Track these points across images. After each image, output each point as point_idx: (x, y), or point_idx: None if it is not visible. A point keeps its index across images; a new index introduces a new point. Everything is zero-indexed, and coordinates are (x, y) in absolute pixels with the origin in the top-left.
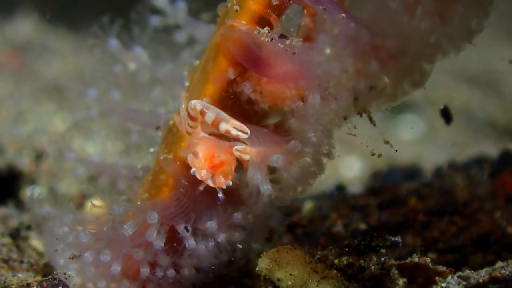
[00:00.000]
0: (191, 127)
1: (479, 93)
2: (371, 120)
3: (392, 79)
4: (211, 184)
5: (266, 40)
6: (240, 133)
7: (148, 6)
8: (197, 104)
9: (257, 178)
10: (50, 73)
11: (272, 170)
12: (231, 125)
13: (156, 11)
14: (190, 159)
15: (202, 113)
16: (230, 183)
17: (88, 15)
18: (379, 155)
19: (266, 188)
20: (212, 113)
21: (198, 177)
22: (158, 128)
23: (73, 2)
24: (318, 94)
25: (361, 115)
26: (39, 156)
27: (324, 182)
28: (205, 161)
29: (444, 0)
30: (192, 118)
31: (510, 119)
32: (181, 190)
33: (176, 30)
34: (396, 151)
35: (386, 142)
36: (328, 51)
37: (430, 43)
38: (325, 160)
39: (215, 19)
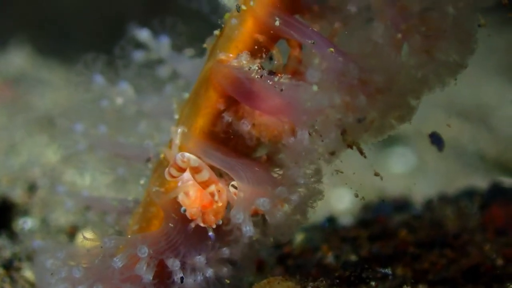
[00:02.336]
0: (172, 176)
1: (469, 126)
2: (361, 152)
3: (379, 114)
4: (201, 224)
5: (256, 77)
6: (223, 198)
7: (132, 40)
8: (191, 158)
9: (240, 218)
10: (42, 105)
11: (255, 214)
12: (217, 189)
13: (140, 45)
14: (181, 197)
15: (196, 170)
16: (220, 222)
17: (80, 48)
18: (362, 198)
19: (248, 229)
20: (206, 173)
21: (189, 216)
22: (148, 160)
23: (65, 35)
24: (306, 130)
25: (351, 148)
26: (31, 188)
27: (315, 214)
28: (196, 200)
29: (430, 36)
30: (179, 169)
31: (500, 152)
32: (170, 224)
33: (159, 65)
34: (380, 178)
35: (377, 174)
36: (315, 87)
37: (416, 79)
38: (310, 209)
39: (198, 54)
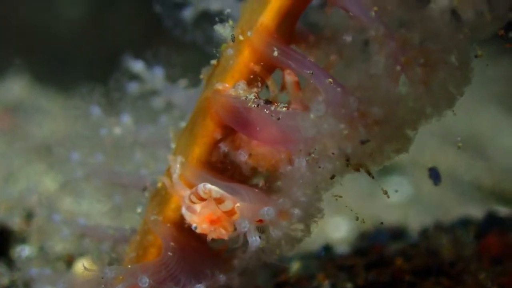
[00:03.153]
0: (192, 201)
1: (465, 156)
2: (369, 173)
3: (377, 145)
4: (213, 236)
5: (253, 106)
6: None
7: (127, 72)
8: (213, 190)
9: (245, 226)
10: (41, 133)
11: (260, 229)
12: (241, 216)
13: (134, 77)
14: (189, 217)
15: (219, 200)
16: (231, 235)
17: (78, 77)
18: (363, 221)
19: (255, 238)
20: (229, 203)
21: (200, 230)
22: (145, 189)
23: (64, 64)
24: (303, 158)
25: (358, 170)
26: (29, 215)
27: (311, 242)
28: (205, 217)
29: (427, 68)
30: (199, 197)
31: (496, 182)
32: (169, 253)
33: (154, 96)
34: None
35: (385, 193)
36: (312, 116)
37: (414, 110)
38: (312, 222)
39: (192, 85)
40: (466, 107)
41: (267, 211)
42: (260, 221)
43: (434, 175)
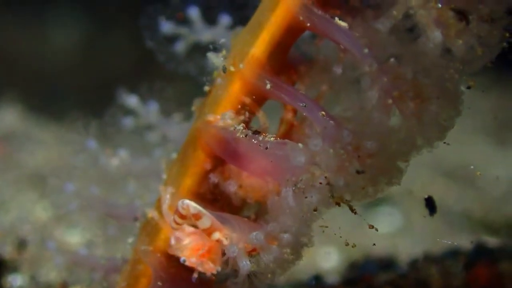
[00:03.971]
0: (177, 223)
1: (455, 186)
2: (351, 209)
3: (370, 178)
4: (201, 270)
5: (241, 136)
6: (229, 244)
7: (121, 107)
8: (190, 205)
9: (234, 251)
10: (33, 162)
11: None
12: (223, 235)
13: (129, 112)
14: (178, 251)
15: (196, 216)
16: (219, 268)
17: (70, 107)
18: (354, 245)
19: (245, 263)
20: (207, 220)
21: (188, 264)
22: (136, 219)
23: (56, 94)
24: (290, 187)
25: (339, 205)
26: (21, 244)
27: (302, 272)
28: (193, 251)
29: (419, 100)
30: (181, 216)
31: (486, 213)
32: (159, 283)
33: (149, 130)
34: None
35: (371, 227)
36: (300, 145)
37: (405, 142)
38: (302, 249)
39: (187, 118)
40: (456, 138)
41: (256, 236)
42: (252, 250)
43: (430, 205)
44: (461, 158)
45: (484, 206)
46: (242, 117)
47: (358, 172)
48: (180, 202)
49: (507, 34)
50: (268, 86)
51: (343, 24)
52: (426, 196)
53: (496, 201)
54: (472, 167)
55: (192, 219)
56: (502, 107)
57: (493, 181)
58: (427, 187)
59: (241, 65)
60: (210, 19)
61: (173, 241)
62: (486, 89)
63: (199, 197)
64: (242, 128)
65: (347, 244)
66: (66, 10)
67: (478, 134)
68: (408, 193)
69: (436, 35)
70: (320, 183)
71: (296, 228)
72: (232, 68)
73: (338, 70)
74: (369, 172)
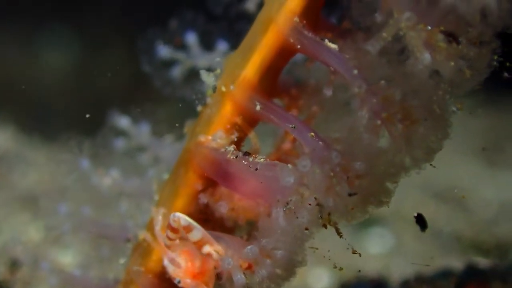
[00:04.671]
0: (170, 238)
1: (446, 207)
2: (338, 232)
3: (358, 199)
4: None
5: (232, 157)
6: (219, 259)
7: (113, 128)
8: (181, 218)
9: (230, 263)
10: (25, 183)
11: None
12: (214, 249)
13: (121, 133)
14: (172, 270)
15: (187, 229)
16: None
17: (62, 127)
18: (341, 269)
19: (240, 277)
20: (198, 232)
21: (183, 285)
22: (128, 240)
23: (48, 115)
24: (281, 208)
25: (325, 227)
26: (14, 265)
27: None
28: (187, 271)
29: (407, 122)
30: (173, 230)
31: (476, 234)
32: None
33: (141, 151)
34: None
35: (354, 252)
36: (290, 166)
37: (394, 164)
38: (295, 267)
39: (178, 138)
40: (446, 160)
41: (251, 249)
42: (247, 268)
43: (420, 221)
44: (451, 180)
45: (474, 227)
46: (233, 138)
47: (350, 194)
48: (171, 215)
49: (496, 57)
50: (258, 108)
51: (333, 46)
52: (415, 214)
53: (486, 222)
54: (456, 190)
55: (183, 232)
56: (492, 128)
57: (484, 202)
58: (417, 208)
59: (232, 87)
60: (207, 44)
61: (166, 262)
62: (476, 111)
63: (191, 218)
64: (232, 149)
65: (335, 267)
66: (59, 32)
67: (468, 156)
68: (399, 214)
69: (425, 57)
70: (310, 204)
71: (288, 246)
72: (223, 89)
73: (328, 92)
74: (359, 193)
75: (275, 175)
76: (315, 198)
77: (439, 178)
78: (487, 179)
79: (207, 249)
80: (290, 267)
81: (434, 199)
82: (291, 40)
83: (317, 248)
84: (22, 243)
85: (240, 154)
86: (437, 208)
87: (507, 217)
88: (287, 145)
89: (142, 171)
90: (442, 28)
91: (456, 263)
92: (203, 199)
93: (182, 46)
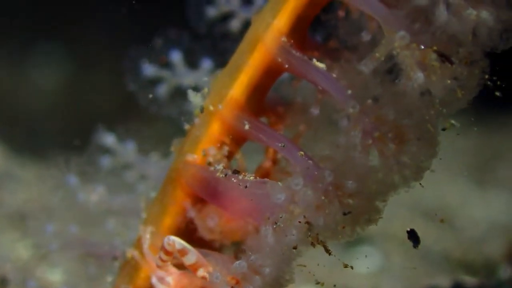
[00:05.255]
0: (163, 260)
1: (434, 226)
2: (326, 250)
3: (349, 218)
4: None
5: (221, 176)
6: (213, 279)
7: (100, 146)
8: (176, 241)
9: (218, 277)
10: (14, 201)
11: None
12: (207, 272)
13: (107, 151)
14: None
15: (182, 252)
16: None
17: (51, 145)
18: (322, 284)
19: None
20: (193, 256)
21: None
22: (115, 258)
23: (37, 133)
24: (270, 226)
25: (314, 246)
26: (2, 283)
27: None
28: None
29: (398, 141)
30: (166, 252)
31: (464, 253)
32: None
33: (127, 169)
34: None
35: (346, 266)
36: (280, 183)
37: (384, 182)
38: (284, 286)
39: (164, 156)
40: (435, 179)
41: (239, 264)
42: (235, 283)
43: (413, 237)
44: (440, 199)
45: (462, 246)
46: (221, 157)
47: (344, 213)
48: (166, 239)
49: (486, 76)
50: (247, 127)
51: (321, 65)
52: (408, 229)
53: (475, 241)
54: (436, 214)
55: (178, 255)
56: (481, 148)
57: (472, 221)
58: (406, 227)
59: (219, 106)
60: (192, 63)
61: (155, 281)
62: (465, 130)
63: (179, 236)
64: (221, 167)
65: (317, 283)
66: (48, 51)
67: (457, 175)
68: (387, 233)
69: (418, 76)
70: (299, 222)
71: (277, 264)
72: (211, 109)
73: (315, 111)
74: (351, 212)
75: (265, 193)
76: (304, 216)
77: (428, 197)
78: (475, 198)
79: (201, 272)
80: (278, 284)
81: (422, 218)
82: (279, 60)
83: (305, 266)
84: (10, 261)
85: (229, 172)
86: (426, 227)
87: (495, 236)
88: (267, 164)
89: (129, 189)
90: (435, 47)
91: (444, 282)
92: (192, 217)
93: (166, 64)
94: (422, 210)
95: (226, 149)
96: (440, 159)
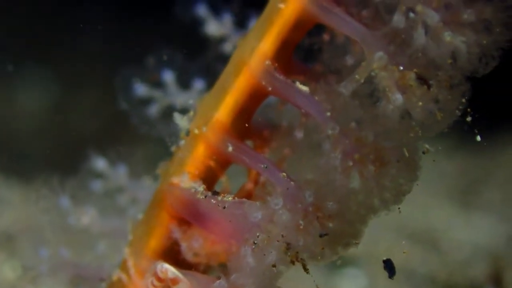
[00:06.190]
0: (154, 286)
1: (420, 249)
2: (305, 268)
3: (328, 239)
4: None
5: (201, 197)
6: None
7: (90, 170)
8: (169, 270)
9: None
10: (1, 222)
11: None
12: None
13: (98, 175)
14: None
15: (173, 281)
16: None
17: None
18: None
19: None
20: (184, 286)
21: None
22: (102, 280)
23: (24, 155)
24: (249, 246)
25: (293, 264)
26: None
27: None
28: None
29: (378, 163)
30: (159, 279)
31: (449, 275)
32: None
33: (118, 193)
34: None
35: None
36: (257, 203)
37: (364, 205)
38: None
39: (156, 181)
40: (420, 201)
41: (219, 283)
42: None
43: (389, 267)
44: (425, 222)
45: (448, 268)
46: (203, 179)
47: (321, 235)
48: (159, 266)
49: (464, 100)
50: (230, 149)
51: (304, 88)
52: (384, 259)
53: (459, 264)
54: (403, 242)
55: (169, 283)
56: (466, 171)
57: (457, 244)
58: (391, 250)
59: (204, 129)
60: (184, 83)
61: None
62: (449, 153)
63: (163, 258)
64: (202, 189)
65: None
66: (35, 72)
67: (442, 198)
68: (373, 255)
69: (397, 97)
70: (278, 241)
71: (258, 284)
72: (196, 131)
73: (299, 134)
74: (330, 234)
75: (243, 213)
76: (282, 235)
77: (413, 220)
78: (460, 221)
79: None
80: None
81: (408, 241)
82: (263, 83)
83: None
84: None
85: (209, 193)
86: (411, 249)
87: (479, 258)
88: (249, 185)
89: (120, 212)
90: (415, 69)
91: None
92: (177, 239)
93: (158, 83)
94: (407, 232)
95: (210, 171)
96: (419, 183)
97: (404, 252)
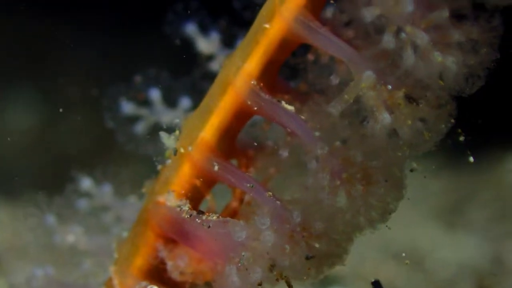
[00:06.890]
0: None
1: (405, 268)
2: (289, 285)
3: (315, 259)
4: None
5: (186, 216)
6: None
7: (76, 190)
8: None
9: None
10: None
11: None
12: None
13: (84, 194)
14: None
15: None
16: None
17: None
18: None
19: None
20: None
21: None
22: None
23: (12, 174)
24: (234, 264)
25: (278, 281)
26: None
27: None
28: None
29: (365, 182)
30: None
31: None
32: None
33: (103, 211)
34: None
35: None
36: (241, 222)
37: (350, 224)
38: None
39: (141, 199)
40: (406, 221)
41: None
42: None
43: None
44: (411, 241)
45: (433, 287)
46: (189, 198)
47: (307, 258)
48: (146, 287)
49: (452, 120)
50: (216, 169)
51: (289, 108)
52: (372, 280)
53: (445, 283)
54: (404, 254)
55: None
56: (451, 190)
57: (442, 263)
58: (377, 268)
59: (190, 148)
60: (171, 101)
61: None
62: (436, 172)
63: (149, 276)
64: (187, 208)
65: None
66: (22, 92)
67: (427, 217)
68: (359, 274)
69: (385, 117)
70: (263, 259)
71: None
72: (182, 150)
73: (284, 153)
74: (316, 253)
75: (227, 232)
76: (267, 253)
77: (399, 239)
78: (445, 240)
79: None
80: None
81: (394, 260)
82: (249, 103)
83: None
84: None
85: (194, 212)
86: (397, 268)
87: (465, 277)
88: (234, 204)
89: (105, 230)
90: (403, 89)
91: None
92: (163, 257)
93: (145, 101)
94: (393, 251)
95: (196, 190)
96: (408, 199)
97: (406, 263)
